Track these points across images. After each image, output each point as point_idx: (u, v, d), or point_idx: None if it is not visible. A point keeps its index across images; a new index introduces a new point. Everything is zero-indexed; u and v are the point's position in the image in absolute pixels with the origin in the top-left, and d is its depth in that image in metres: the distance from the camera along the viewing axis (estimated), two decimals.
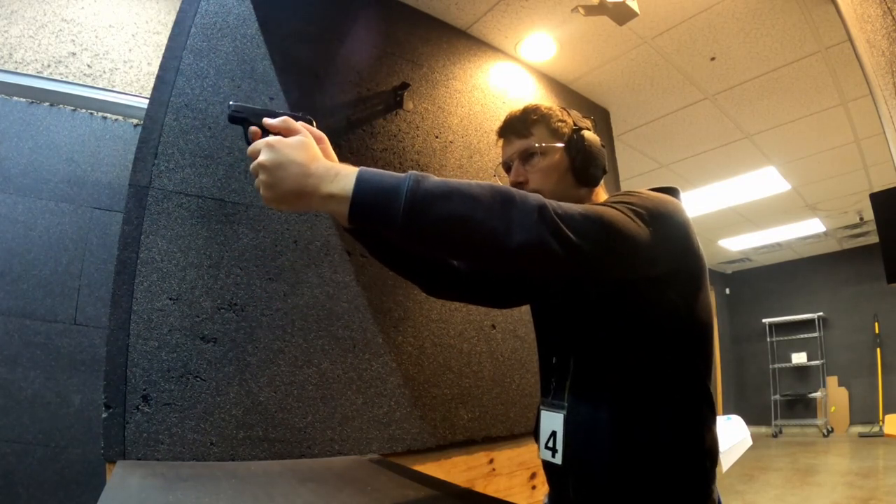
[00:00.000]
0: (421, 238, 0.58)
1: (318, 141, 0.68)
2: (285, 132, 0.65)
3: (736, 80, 2.58)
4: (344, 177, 0.58)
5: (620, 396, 0.74)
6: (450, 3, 2.03)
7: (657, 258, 0.69)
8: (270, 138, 0.62)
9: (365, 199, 0.56)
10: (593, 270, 0.64)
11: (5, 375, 1.64)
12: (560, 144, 0.85)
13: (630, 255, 0.66)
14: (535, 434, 0.87)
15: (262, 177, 0.60)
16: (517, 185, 0.84)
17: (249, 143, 0.66)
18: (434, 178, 0.58)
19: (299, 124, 0.67)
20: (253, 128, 0.67)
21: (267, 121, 0.67)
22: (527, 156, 0.85)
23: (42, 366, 1.70)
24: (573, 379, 0.81)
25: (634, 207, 0.68)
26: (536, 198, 0.60)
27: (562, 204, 0.62)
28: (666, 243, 0.69)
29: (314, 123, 0.71)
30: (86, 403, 1.72)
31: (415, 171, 0.58)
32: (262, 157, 0.60)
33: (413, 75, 1.94)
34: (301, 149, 0.61)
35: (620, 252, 0.65)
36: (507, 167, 0.89)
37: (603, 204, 0.69)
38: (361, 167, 0.59)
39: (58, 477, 1.66)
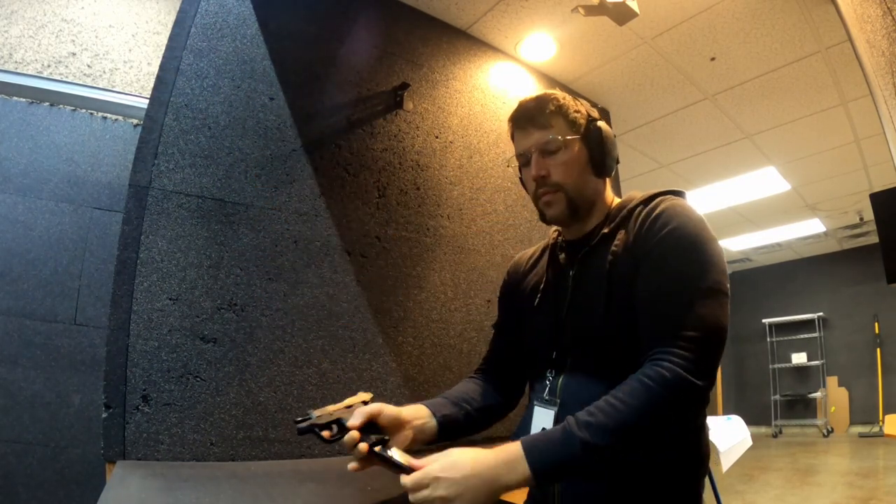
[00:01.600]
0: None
1: (402, 425, 0.77)
2: (414, 468, 0.66)
3: (736, 80, 2.58)
4: (516, 462, 0.62)
5: None
6: (450, 3, 2.03)
7: None
8: (430, 471, 0.63)
9: (548, 476, 0.63)
10: None
11: (5, 375, 1.64)
12: (578, 136, 0.83)
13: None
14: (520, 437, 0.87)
15: None
16: (539, 178, 0.83)
17: (329, 442, 0.70)
18: (593, 425, 0.62)
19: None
20: (353, 432, 0.69)
21: (406, 478, 0.66)
22: (548, 149, 0.82)
23: (42, 366, 1.70)
24: (567, 377, 0.80)
25: (720, 287, 0.69)
26: (680, 380, 0.62)
27: (696, 346, 0.64)
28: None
29: (388, 441, 0.71)
30: (86, 403, 1.72)
31: (572, 426, 0.63)
32: (440, 492, 0.61)
33: (413, 75, 1.94)
34: (458, 466, 0.63)
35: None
36: (524, 159, 0.86)
37: (699, 289, 0.68)
38: (521, 441, 0.64)
39: (58, 477, 1.66)
